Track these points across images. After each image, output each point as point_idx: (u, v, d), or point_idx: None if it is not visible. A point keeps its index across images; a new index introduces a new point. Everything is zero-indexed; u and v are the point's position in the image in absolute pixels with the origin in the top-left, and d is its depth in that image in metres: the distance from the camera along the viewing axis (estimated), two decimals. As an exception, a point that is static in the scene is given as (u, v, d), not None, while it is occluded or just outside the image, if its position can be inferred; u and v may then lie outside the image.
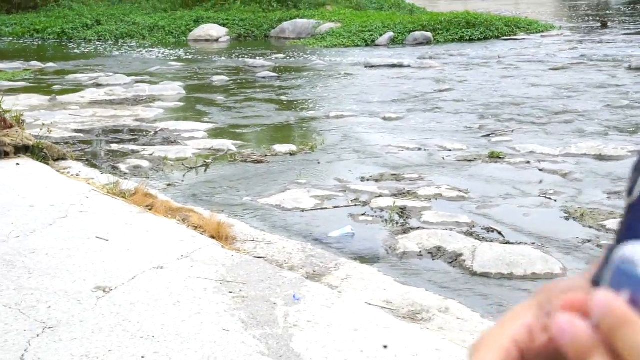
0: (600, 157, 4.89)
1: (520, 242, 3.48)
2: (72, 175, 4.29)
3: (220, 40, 12.22)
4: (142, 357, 2.26)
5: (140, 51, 11.34)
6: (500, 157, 4.77)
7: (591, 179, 4.44)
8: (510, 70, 8.70)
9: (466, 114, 6.35)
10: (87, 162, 4.82)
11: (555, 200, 3.98)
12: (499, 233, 3.52)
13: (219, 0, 13.23)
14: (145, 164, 4.99)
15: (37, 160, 4.52)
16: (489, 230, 3.55)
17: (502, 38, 11.49)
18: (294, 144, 5.47)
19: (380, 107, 6.77)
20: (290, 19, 12.37)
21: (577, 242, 3.48)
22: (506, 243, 3.45)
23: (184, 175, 4.74)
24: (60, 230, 3.43)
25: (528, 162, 4.70)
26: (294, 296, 2.91)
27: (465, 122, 5.99)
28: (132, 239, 3.43)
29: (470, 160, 4.77)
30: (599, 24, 13.22)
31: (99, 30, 12.16)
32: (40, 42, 12.21)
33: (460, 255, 3.26)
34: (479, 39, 11.24)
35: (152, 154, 5.20)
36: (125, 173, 4.73)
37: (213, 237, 3.29)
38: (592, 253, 3.36)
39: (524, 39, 11.64)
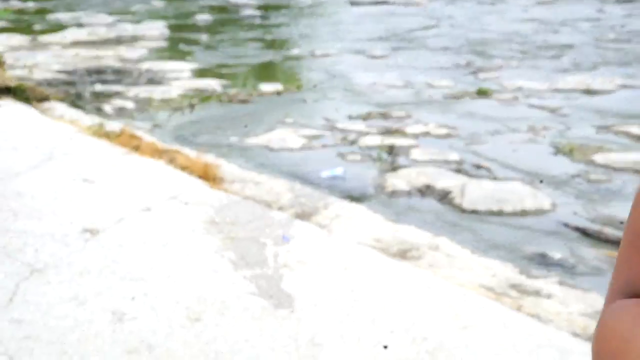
0: (588, 92, 4.89)
1: (510, 179, 3.48)
2: (55, 116, 4.21)
3: None
4: (132, 298, 2.23)
5: None
6: (487, 93, 4.74)
7: (579, 113, 4.45)
8: (496, 5, 8.57)
9: (453, 50, 6.26)
10: (70, 104, 4.70)
11: (544, 136, 4.00)
12: (488, 170, 3.54)
13: None
14: (130, 104, 4.93)
15: (20, 101, 4.42)
16: (478, 167, 3.57)
17: (488, -26, 11.15)
18: (280, 82, 5.40)
19: (366, 44, 6.66)
20: None
21: (566, 176, 3.52)
22: (495, 179, 3.44)
23: (169, 116, 4.67)
24: (45, 172, 3.36)
25: (516, 98, 4.68)
26: (283, 236, 2.86)
27: (452, 59, 5.92)
28: (118, 180, 3.38)
29: (457, 97, 4.74)
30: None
31: None
32: None
33: (450, 192, 3.26)
34: (465, -25, 10.80)
35: (136, 95, 5.13)
36: (110, 114, 4.64)
37: (201, 178, 3.25)
38: (580, 188, 3.40)
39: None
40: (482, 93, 4.57)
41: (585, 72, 5.30)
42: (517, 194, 3.25)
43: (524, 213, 3.15)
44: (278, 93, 4.95)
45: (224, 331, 2.18)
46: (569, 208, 3.23)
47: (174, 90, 5.20)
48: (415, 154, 3.67)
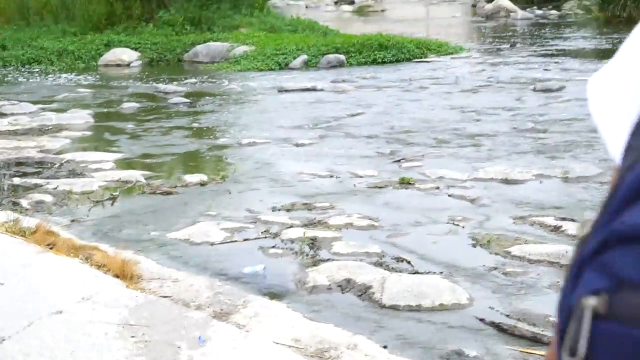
0: (507, 182, 5.14)
1: (429, 272, 3.58)
2: None
3: (132, 64, 11.82)
4: None
5: (48, 77, 10.86)
6: (410, 183, 4.93)
7: (498, 204, 4.66)
8: (421, 93, 8.99)
9: (378, 138, 6.53)
10: None
11: (463, 227, 4.13)
12: (408, 262, 3.63)
13: (131, 24, 12.77)
14: (48, 198, 4.85)
15: None
16: (399, 260, 3.65)
17: (414, 60, 11.75)
18: (205, 173, 5.44)
19: (292, 132, 6.85)
20: (204, 42, 12.10)
21: (483, 269, 3.62)
22: (415, 273, 3.54)
23: (89, 210, 4.60)
24: None
25: (437, 188, 4.87)
26: (199, 338, 2.83)
27: (377, 147, 6.18)
28: (30, 281, 3.34)
29: (381, 187, 4.90)
30: (507, 45, 14.14)
31: (3, 55, 11.54)
32: None
33: (370, 287, 3.31)
34: (392, 62, 11.41)
35: (56, 188, 5.05)
36: (27, 209, 4.56)
37: (117, 276, 3.23)
38: (497, 281, 3.49)
39: (434, 61, 11.99)
40: (405, 182, 4.75)
41: (504, 162, 5.60)
42: (436, 288, 3.32)
43: (442, 308, 3.22)
44: (202, 184, 4.98)
45: None
46: (486, 302, 3.31)
47: (95, 182, 5.16)
48: (338, 246, 3.72)
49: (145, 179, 5.27)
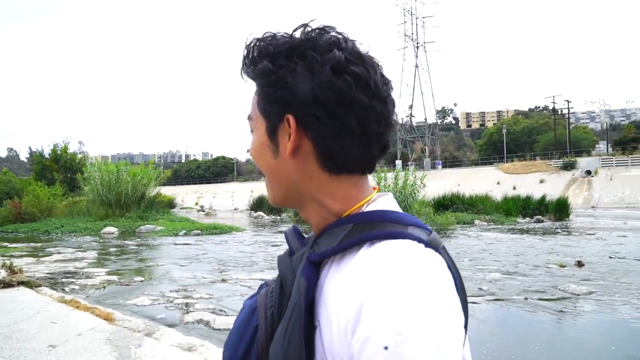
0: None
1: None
2: (44, 293, 7.33)
3: (114, 233, 20.57)
4: None
5: (78, 238, 18.99)
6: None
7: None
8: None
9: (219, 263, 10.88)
10: (51, 287, 8.25)
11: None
12: (222, 310, 7.30)
13: (115, 217, 23.80)
14: (77, 287, 8.29)
15: (28, 287, 7.83)
16: (221, 310, 7.24)
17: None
18: (143, 277, 9.93)
19: (179, 260, 10.91)
20: (144, 225, 22.24)
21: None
22: (227, 315, 7.11)
23: (93, 292, 8.10)
24: (35, 319, 5.73)
25: None
26: (139, 344, 4.78)
27: (212, 269, 10.40)
28: (68, 321, 5.61)
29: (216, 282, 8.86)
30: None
31: (62, 229, 21.10)
32: (35, 236, 19.45)
33: (209, 321, 6.45)
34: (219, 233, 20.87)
35: (80, 282, 8.62)
36: (68, 291, 7.88)
37: (105, 319, 5.57)
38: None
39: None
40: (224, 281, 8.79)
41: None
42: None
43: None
44: (141, 281, 9.25)
45: None
46: None
47: (97, 280, 9.56)
48: (197, 305, 7.42)
49: (118, 278, 9.27)
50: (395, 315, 0.58)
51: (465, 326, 0.68)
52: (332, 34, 0.74)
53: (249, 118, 0.83)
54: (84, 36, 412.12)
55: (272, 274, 8.19)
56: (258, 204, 40.29)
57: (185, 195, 68.51)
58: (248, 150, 0.85)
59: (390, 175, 19.75)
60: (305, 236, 0.80)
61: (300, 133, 0.74)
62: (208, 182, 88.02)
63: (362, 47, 0.75)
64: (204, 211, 48.34)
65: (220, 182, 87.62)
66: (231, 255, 13.28)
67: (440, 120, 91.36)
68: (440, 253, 0.69)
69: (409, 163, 68.83)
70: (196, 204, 60.07)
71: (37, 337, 5.04)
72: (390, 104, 0.76)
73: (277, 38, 0.76)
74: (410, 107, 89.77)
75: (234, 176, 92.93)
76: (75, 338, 5.02)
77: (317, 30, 0.74)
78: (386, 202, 0.76)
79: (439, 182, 49.09)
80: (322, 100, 0.71)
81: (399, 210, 0.75)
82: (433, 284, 0.61)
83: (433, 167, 72.31)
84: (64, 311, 6.36)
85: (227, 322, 6.19)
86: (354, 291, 0.63)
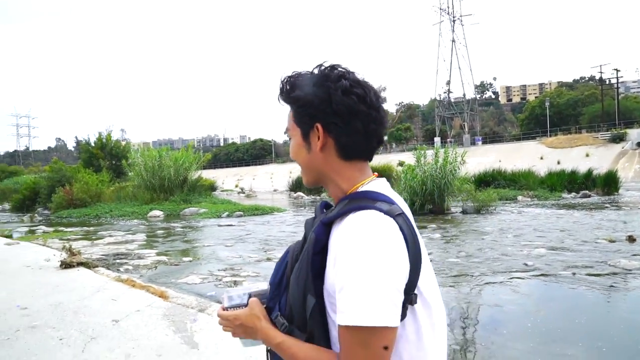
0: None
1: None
2: (101, 273, 7.89)
3: (160, 216, 21.60)
4: (133, 348, 4.19)
5: (126, 222, 19.83)
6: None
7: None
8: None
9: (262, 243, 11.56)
10: (107, 267, 8.70)
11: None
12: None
13: (159, 201, 24.85)
14: (130, 267, 9.15)
15: (87, 268, 8.35)
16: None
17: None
18: (191, 257, 10.06)
19: (225, 241, 11.74)
20: (188, 207, 23.13)
21: None
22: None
23: (146, 272, 8.86)
24: (97, 296, 6.19)
25: None
26: (194, 319, 5.01)
27: (254, 248, 11.08)
28: (127, 299, 6.00)
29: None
30: None
31: (111, 214, 22.38)
32: (86, 220, 21.25)
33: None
34: (262, 214, 21.70)
35: (133, 263, 9.47)
36: (122, 271, 8.68)
37: (160, 297, 5.99)
38: None
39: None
40: None
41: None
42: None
43: None
44: (190, 261, 9.46)
45: (172, 357, 3.97)
46: None
47: (148, 261, 9.82)
48: (244, 284, 7.76)
49: (167, 259, 9.73)
50: (352, 257, 0.97)
51: (418, 269, 1.03)
52: (339, 69, 1.14)
53: (287, 130, 1.22)
54: (121, 26, 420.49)
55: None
56: (297, 185, 40.56)
57: (225, 178, 69.62)
58: (285, 132, 1.23)
59: (430, 153, 19.55)
60: (332, 206, 1.18)
61: (325, 135, 1.13)
62: (247, 164, 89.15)
63: (359, 76, 1.14)
64: (244, 193, 49.10)
65: (259, 164, 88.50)
66: (274, 235, 13.57)
67: (479, 95, 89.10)
68: (396, 219, 1.02)
69: (448, 140, 67.72)
70: (236, 186, 61.08)
71: (100, 313, 5.41)
72: (381, 111, 1.14)
73: (302, 75, 1.16)
74: (448, 83, 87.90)
75: (272, 158, 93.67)
76: (135, 314, 5.35)
77: (329, 67, 1.14)
78: (374, 185, 1.14)
79: (479, 159, 48.23)
80: (338, 113, 1.10)
81: (382, 190, 1.11)
82: (377, 240, 0.98)
83: (473, 143, 70.93)
84: (122, 289, 6.74)
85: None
86: (338, 242, 1.03)
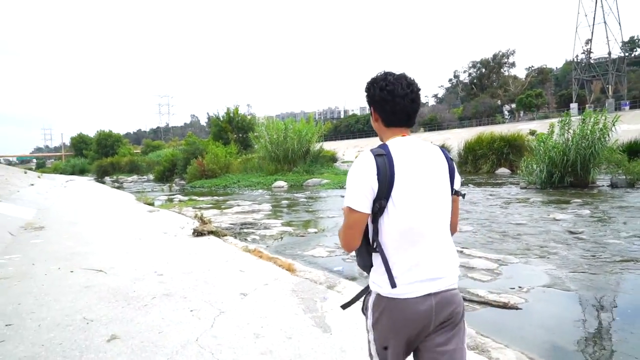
0: None
1: None
2: (229, 242, 7.98)
3: (284, 187, 22.32)
4: (261, 327, 3.97)
5: (253, 192, 20.93)
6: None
7: None
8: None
9: None
10: (235, 236, 8.78)
11: None
12: None
13: (283, 172, 26.39)
14: (257, 237, 9.13)
15: (217, 236, 8.52)
16: None
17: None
18: (316, 228, 9.70)
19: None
20: (311, 178, 23.22)
21: None
22: None
23: (273, 242, 8.75)
24: (225, 267, 6.09)
25: None
26: (323, 297, 4.66)
27: None
28: (254, 271, 5.80)
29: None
30: None
31: (238, 184, 24.09)
32: (216, 190, 22.81)
33: None
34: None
35: (259, 233, 9.47)
36: (249, 241, 8.68)
37: (287, 270, 5.77)
38: None
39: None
40: None
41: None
42: None
43: None
44: (315, 233, 9.24)
45: (303, 341, 3.64)
46: None
47: (274, 231, 9.70)
48: None
49: (293, 230, 9.62)
50: (349, 172, 1.88)
51: (386, 187, 1.79)
52: (382, 74, 1.97)
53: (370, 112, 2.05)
54: (240, 5, 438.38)
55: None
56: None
57: (346, 150, 70.08)
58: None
59: (575, 119, 17.41)
60: None
61: (375, 113, 1.99)
62: (367, 135, 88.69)
63: (398, 72, 1.95)
64: (364, 164, 49.09)
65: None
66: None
67: (627, 54, 78.61)
68: (376, 157, 1.81)
69: (587, 105, 61.07)
70: (357, 157, 61.18)
71: (229, 284, 5.28)
72: (406, 97, 1.91)
73: (371, 79, 2.00)
74: (587, 42, 78.83)
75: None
76: (263, 287, 5.13)
77: (380, 73, 1.98)
78: (390, 141, 1.90)
79: (626, 126, 42.61)
80: (376, 101, 1.95)
81: (390, 144, 1.89)
82: (360, 164, 1.82)
83: (618, 108, 63.17)
84: (250, 260, 6.62)
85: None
86: None
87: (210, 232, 8.76)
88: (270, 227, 10.39)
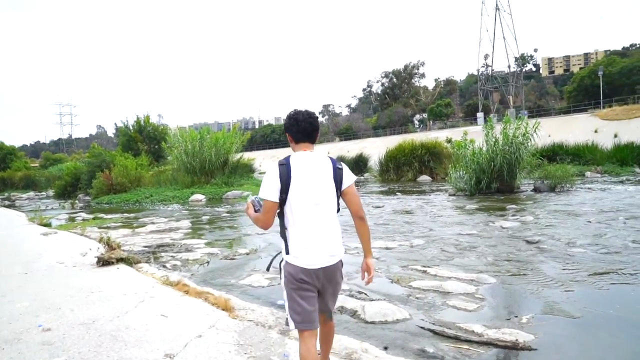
0: (387, 248, 7.53)
1: (378, 299, 5.05)
2: (145, 272, 6.37)
3: (202, 201, 20.18)
4: None
5: (167, 207, 18.61)
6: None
7: (389, 260, 6.84)
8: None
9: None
10: (150, 263, 7.20)
11: (381, 273, 6.10)
12: (365, 294, 5.30)
13: (201, 185, 23.72)
14: (178, 262, 7.47)
15: (128, 265, 7.00)
16: (360, 292, 5.35)
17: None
18: (246, 249, 8.28)
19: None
20: (230, 191, 21.66)
21: (404, 296, 5.19)
22: (371, 300, 5.01)
23: (197, 268, 7.16)
24: (142, 309, 4.78)
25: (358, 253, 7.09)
26: (284, 354, 3.68)
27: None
28: (181, 314, 4.61)
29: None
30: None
31: (151, 199, 21.83)
32: (126, 206, 20.47)
33: (356, 311, 4.75)
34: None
35: (181, 257, 7.81)
36: (169, 268, 7.09)
37: (223, 310, 4.65)
38: (416, 302, 4.95)
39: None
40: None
41: (386, 239, 7.98)
42: (391, 310, 4.57)
43: (396, 321, 4.42)
44: (247, 254, 7.85)
45: None
46: (418, 316, 4.54)
47: (198, 254, 8.04)
48: None
49: (220, 251, 8.12)
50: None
51: (285, 187, 2.80)
52: (294, 111, 3.00)
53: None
54: (153, 12, 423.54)
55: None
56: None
57: (263, 160, 68.39)
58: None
59: (498, 127, 17.41)
60: None
61: (288, 135, 2.99)
62: (284, 146, 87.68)
63: (304, 109, 3.02)
64: (284, 174, 47.79)
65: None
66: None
67: (519, 69, 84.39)
68: (279, 165, 2.83)
69: (491, 115, 64.31)
70: (273, 167, 59.87)
71: (147, 339, 4.02)
72: (305, 121, 2.94)
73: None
74: (486, 56, 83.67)
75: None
76: (196, 342, 3.92)
77: (292, 111, 3.00)
78: (294, 153, 2.91)
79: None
80: (287, 127, 3.00)
81: (292, 155, 2.90)
82: (270, 170, 2.85)
83: (517, 117, 67.11)
84: (173, 297, 5.23)
85: (381, 309, 4.69)
86: None
87: (120, 260, 7.07)
88: (192, 248, 8.82)
